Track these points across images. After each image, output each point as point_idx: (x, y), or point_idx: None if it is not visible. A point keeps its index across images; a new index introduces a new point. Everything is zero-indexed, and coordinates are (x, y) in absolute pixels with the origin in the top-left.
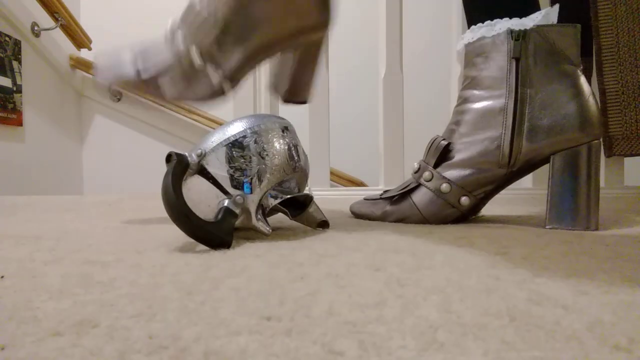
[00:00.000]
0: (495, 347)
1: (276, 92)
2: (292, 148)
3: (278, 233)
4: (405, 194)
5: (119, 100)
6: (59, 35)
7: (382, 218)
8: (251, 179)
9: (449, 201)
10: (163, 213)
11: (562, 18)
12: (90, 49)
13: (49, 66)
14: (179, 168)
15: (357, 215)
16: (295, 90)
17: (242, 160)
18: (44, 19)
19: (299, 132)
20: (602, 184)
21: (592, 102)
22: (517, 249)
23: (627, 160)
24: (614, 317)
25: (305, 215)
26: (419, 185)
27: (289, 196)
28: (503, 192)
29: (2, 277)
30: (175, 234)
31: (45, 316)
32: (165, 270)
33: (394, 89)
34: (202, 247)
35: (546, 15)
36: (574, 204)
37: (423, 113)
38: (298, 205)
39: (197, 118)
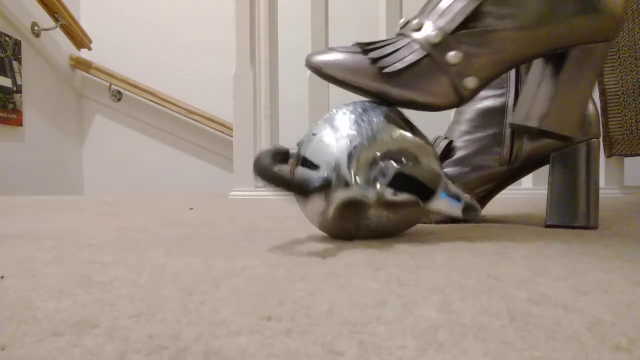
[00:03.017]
0: (495, 347)
1: (525, 120)
2: (361, 115)
3: (279, 230)
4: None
5: (119, 100)
6: (59, 35)
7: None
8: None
9: None
10: (163, 213)
11: None
12: (90, 49)
13: (49, 66)
14: (273, 151)
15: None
16: (556, 116)
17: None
18: (44, 19)
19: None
20: (602, 184)
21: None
22: (517, 249)
23: (627, 160)
24: (614, 317)
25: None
26: None
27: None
28: (503, 192)
29: (2, 277)
30: (176, 234)
31: (45, 316)
32: (165, 270)
33: None
34: (201, 247)
35: None
36: (574, 200)
37: (423, 112)
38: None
39: (197, 118)
